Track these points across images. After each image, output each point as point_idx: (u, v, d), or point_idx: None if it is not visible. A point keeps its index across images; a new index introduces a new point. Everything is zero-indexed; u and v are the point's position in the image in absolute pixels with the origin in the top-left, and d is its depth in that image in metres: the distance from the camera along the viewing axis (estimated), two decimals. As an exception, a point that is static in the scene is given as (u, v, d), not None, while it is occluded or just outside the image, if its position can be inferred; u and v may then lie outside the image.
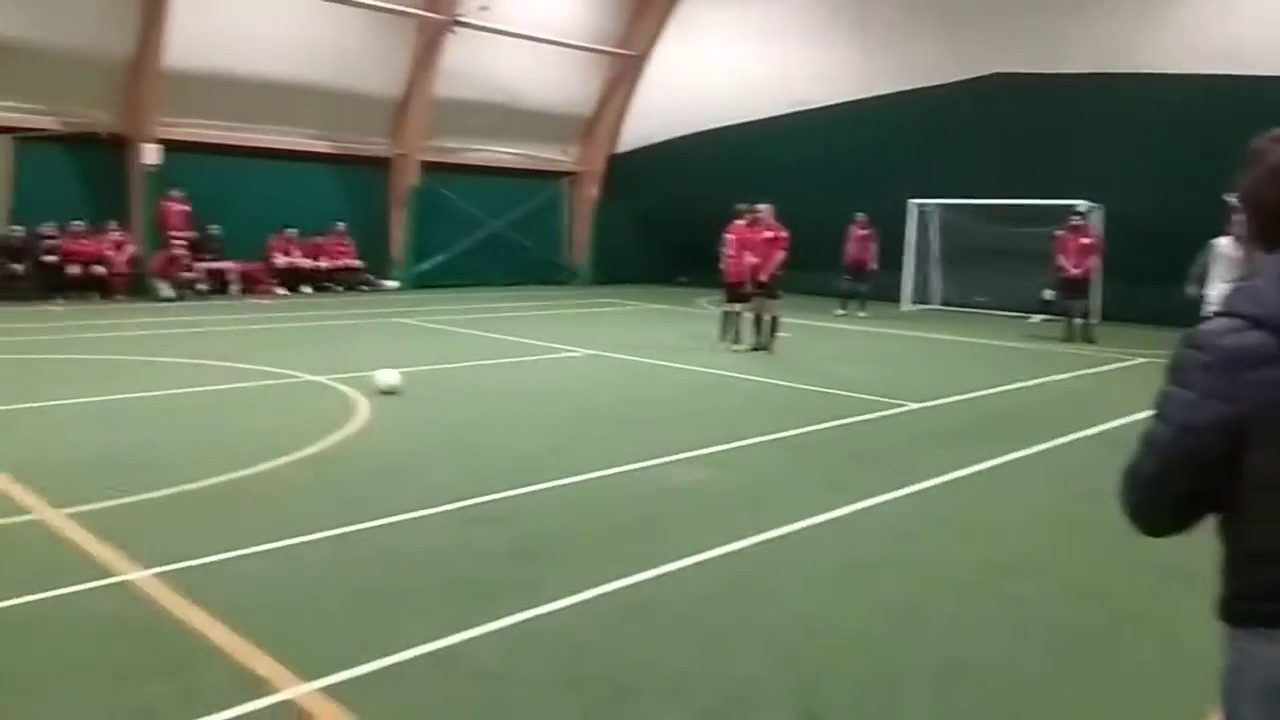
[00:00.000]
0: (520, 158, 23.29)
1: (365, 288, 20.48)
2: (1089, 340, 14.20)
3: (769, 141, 20.57)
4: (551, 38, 21.67)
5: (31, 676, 3.50)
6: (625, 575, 4.55)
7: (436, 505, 5.57)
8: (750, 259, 12.59)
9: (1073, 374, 11.52)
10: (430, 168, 21.37)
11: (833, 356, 12.60)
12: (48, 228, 16.66)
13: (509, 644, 3.87)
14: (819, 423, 8.23)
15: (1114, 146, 16.69)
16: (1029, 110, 17.55)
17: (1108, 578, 4.85)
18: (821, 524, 5.49)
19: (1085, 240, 14.66)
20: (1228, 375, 1.64)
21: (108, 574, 4.43)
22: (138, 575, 4.40)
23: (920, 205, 19.33)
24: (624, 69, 23.43)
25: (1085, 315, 14.62)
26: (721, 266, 13.06)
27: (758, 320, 12.63)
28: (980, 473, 6.74)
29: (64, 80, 16.53)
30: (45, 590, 4.20)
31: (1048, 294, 16.65)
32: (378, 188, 21.23)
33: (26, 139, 16.49)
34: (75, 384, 9.16)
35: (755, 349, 12.46)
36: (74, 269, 16.67)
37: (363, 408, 8.27)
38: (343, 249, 20.40)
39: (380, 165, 21.18)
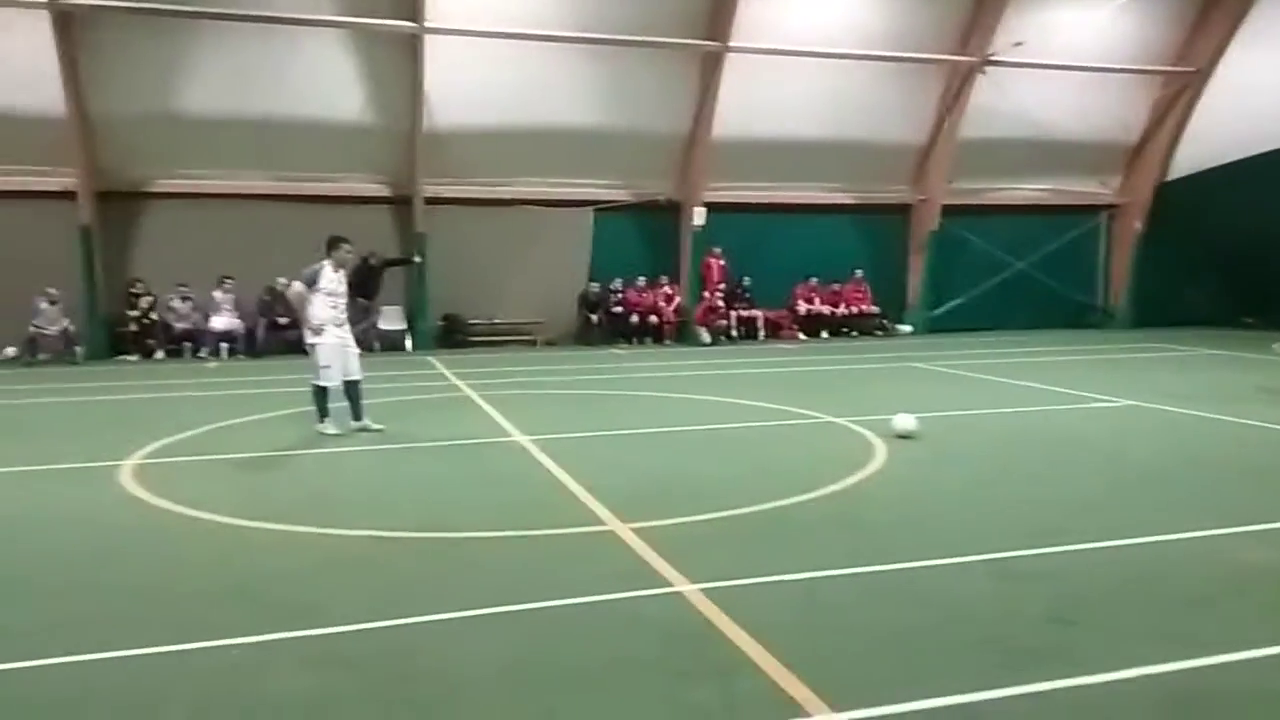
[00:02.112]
0: (1049, 193, 21.95)
1: (879, 333, 20.80)
2: None
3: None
4: (1091, 64, 20.18)
5: (598, 668, 4.09)
6: (1176, 658, 4.04)
7: (961, 555, 5.47)
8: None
9: None
10: (950, 210, 21.08)
11: None
12: (616, 283, 19.66)
13: (1040, 710, 3.65)
14: None
15: None
16: None
17: None
18: None
19: None
20: None
21: (663, 584, 5.05)
22: (687, 588, 4.95)
23: None
24: (1179, 87, 20.94)
25: None
26: None
27: None
28: None
29: (634, 158, 19.41)
30: (612, 592, 4.91)
31: None
32: (897, 234, 21.49)
33: (604, 209, 19.64)
34: (636, 416, 10.65)
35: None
36: (634, 318, 19.44)
37: (880, 450, 8.41)
38: (860, 295, 20.99)
39: (900, 212, 21.43)
